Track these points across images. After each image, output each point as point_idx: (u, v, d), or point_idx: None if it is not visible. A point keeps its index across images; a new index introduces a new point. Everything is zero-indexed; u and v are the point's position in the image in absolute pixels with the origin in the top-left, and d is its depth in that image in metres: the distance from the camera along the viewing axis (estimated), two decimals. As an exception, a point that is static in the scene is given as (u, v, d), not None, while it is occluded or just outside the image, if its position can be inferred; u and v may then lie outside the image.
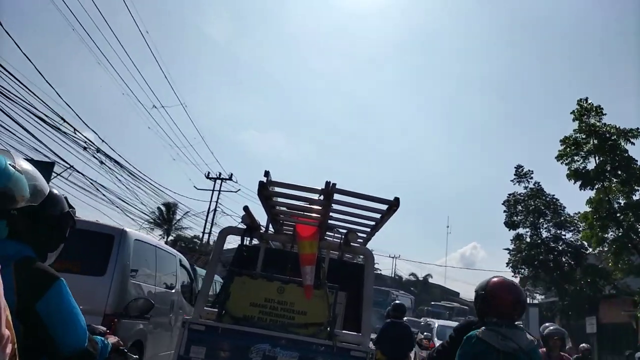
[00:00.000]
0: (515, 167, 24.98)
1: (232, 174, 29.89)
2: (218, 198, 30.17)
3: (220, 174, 30.13)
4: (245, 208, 3.79)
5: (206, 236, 31.18)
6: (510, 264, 23.42)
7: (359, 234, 4.46)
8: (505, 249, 30.23)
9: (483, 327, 2.49)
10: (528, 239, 23.98)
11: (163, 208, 31.66)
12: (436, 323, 11.03)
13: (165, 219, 32.33)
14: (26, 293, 1.34)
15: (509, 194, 25.10)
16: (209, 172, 29.58)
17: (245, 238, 4.15)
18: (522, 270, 23.16)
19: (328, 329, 3.79)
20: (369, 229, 4.40)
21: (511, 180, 24.91)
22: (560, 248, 22.95)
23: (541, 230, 23.62)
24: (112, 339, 1.84)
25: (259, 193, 3.24)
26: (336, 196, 3.32)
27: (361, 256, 4.72)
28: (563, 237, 23.33)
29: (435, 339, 10.32)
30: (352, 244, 4.24)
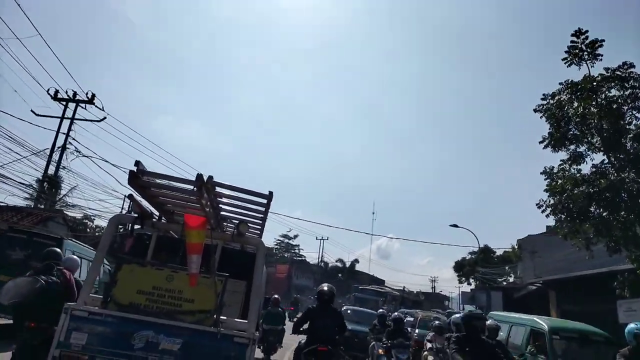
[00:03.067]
0: (572, 34, 12.71)
1: (94, 95, 20.11)
2: (70, 129, 19.96)
3: (75, 93, 20.08)
4: (130, 196, 3.80)
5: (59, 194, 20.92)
6: (550, 209, 12.45)
7: (251, 225, 4.63)
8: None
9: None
10: (583, 164, 12.62)
11: (39, 182, 21.92)
12: None
13: (43, 195, 22.66)
14: None
15: (560, 84, 13.03)
16: (57, 91, 19.72)
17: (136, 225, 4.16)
18: (568, 221, 12.19)
19: (215, 316, 3.94)
20: (260, 221, 4.58)
21: (563, 60, 12.85)
22: None
23: (619, 152, 11.86)
24: None
25: (131, 182, 3.27)
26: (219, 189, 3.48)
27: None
28: None
29: None
30: (245, 234, 4.40)
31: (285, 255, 68.31)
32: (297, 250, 71.23)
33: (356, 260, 68.51)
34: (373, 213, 72.02)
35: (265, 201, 3.78)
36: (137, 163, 3.22)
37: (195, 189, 3.18)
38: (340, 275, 64.77)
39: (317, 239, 60.97)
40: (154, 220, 4.28)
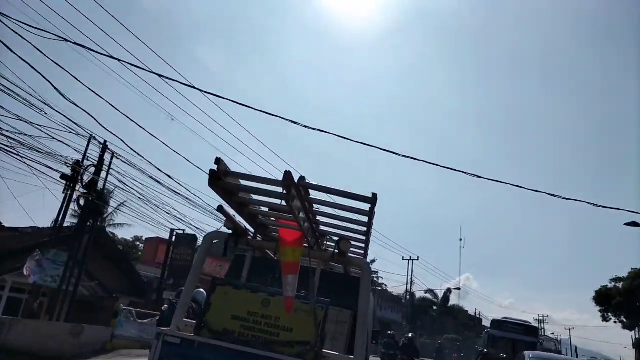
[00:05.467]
0: None
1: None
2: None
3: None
4: (220, 208, 3.43)
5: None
6: None
7: (353, 243, 4.08)
8: None
9: None
10: None
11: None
12: None
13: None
14: None
15: None
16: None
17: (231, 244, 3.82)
18: None
19: (316, 349, 3.41)
20: (362, 236, 4.00)
21: None
22: None
23: None
24: None
25: (212, 184, 2.83)
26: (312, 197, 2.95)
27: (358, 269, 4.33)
28: None
29: None
30: (347, 254, 3.86)
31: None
32: (376, 278, 61.31)
33: (449, 291, 53.41)
34: (460, 240, 56.91)
35: (367, 207, 3.15)
36: (218, 160, 2.76)
37: (283, 191, 2.63)
38: (434, 308, 53.49)
39: (403, 259, 44.39)
40: (249, 237, 3.92)
